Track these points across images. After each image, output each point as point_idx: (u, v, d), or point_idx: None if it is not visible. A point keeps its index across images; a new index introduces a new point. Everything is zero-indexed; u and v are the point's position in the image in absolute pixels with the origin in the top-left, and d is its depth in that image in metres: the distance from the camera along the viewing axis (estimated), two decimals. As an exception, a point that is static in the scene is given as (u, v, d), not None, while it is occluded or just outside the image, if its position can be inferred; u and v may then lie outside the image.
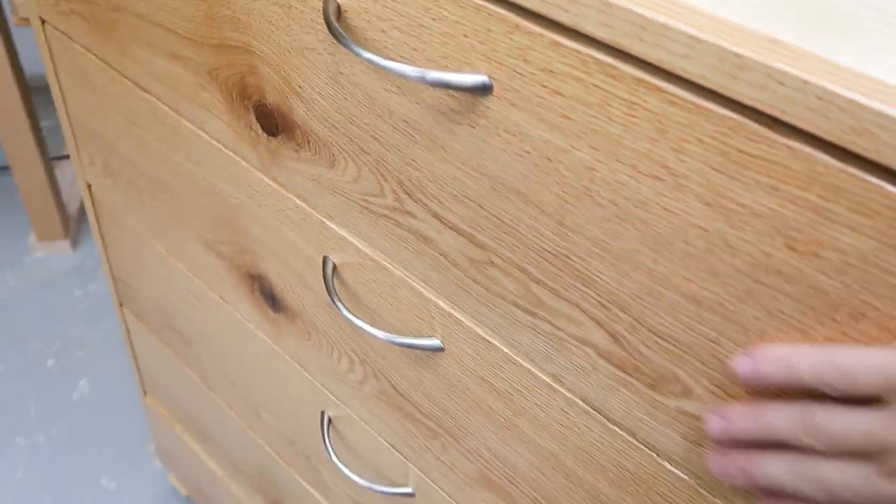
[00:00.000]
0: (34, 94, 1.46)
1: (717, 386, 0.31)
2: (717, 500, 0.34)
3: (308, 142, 0.43)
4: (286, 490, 0.77)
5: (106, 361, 1.38)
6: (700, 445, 0.33)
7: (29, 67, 1.43)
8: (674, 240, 0.29)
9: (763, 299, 0.28)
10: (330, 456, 0.59)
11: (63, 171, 1.70)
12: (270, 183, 0.49)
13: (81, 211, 1.67)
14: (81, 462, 1.23)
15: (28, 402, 1.30)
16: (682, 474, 0.35)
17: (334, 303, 0.46)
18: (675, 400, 0.33)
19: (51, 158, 1.75)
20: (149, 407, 1.00)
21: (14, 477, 1.20)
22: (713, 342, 0.30)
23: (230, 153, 0.51)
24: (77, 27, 0.58)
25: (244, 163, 0.50)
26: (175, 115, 0.54)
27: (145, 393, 0.99)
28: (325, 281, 0.46)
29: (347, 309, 0.45)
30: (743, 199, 0.26)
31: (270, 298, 0.57)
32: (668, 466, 0.35)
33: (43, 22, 0.62)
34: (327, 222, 0.46)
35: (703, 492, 0.34)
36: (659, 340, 0.32)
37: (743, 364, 0.28)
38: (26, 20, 1.31)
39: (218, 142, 0.51)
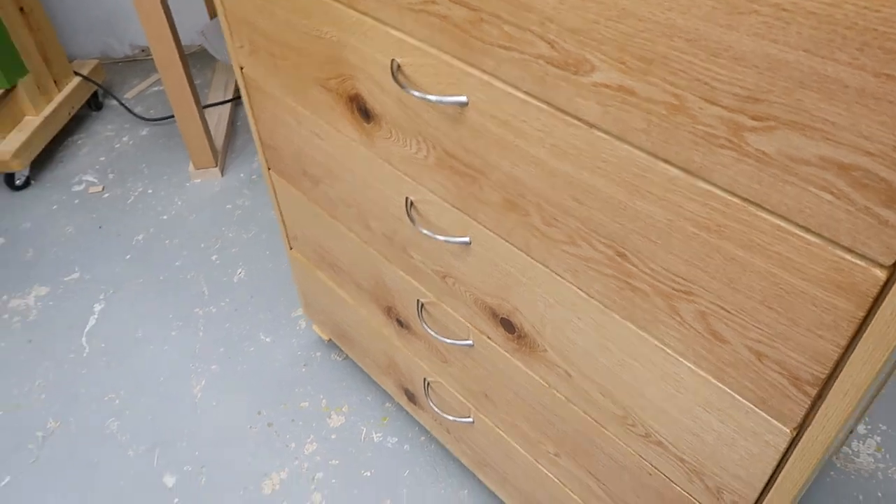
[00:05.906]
0: (189, 59, 1.80)
1: None
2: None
3: (374, -25, 0.67)
4: (393, 289, 1.03)
5: (255, 255, 1.72)
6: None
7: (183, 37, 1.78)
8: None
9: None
10: (416, 226, 0.83)
11: (211, 116, 2.06)
12: (353, 13, 0.73)
13: (226, 145, 2.03)
14: (244, 324, 1.57)
15: (201, 285, 1.66)
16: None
17: (402, 87, 0.69)
18: None
19: (203, 106, 2.13)
20: (293, 259, 1.30)
21: (197, 336, 1.55)
22: None
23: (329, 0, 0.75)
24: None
25: (340, 5, 0.75)
26: (293, -15, 0.79)
27: (291, 247, 1.29)
28: (392, 75, 0.70)
29: (410, 87, 0.69)
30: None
31: (364, 112, 0.82)
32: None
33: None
34: (391, 31, 0.70)
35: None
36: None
37: None
38: None
39: (321, -4, 0.76)
